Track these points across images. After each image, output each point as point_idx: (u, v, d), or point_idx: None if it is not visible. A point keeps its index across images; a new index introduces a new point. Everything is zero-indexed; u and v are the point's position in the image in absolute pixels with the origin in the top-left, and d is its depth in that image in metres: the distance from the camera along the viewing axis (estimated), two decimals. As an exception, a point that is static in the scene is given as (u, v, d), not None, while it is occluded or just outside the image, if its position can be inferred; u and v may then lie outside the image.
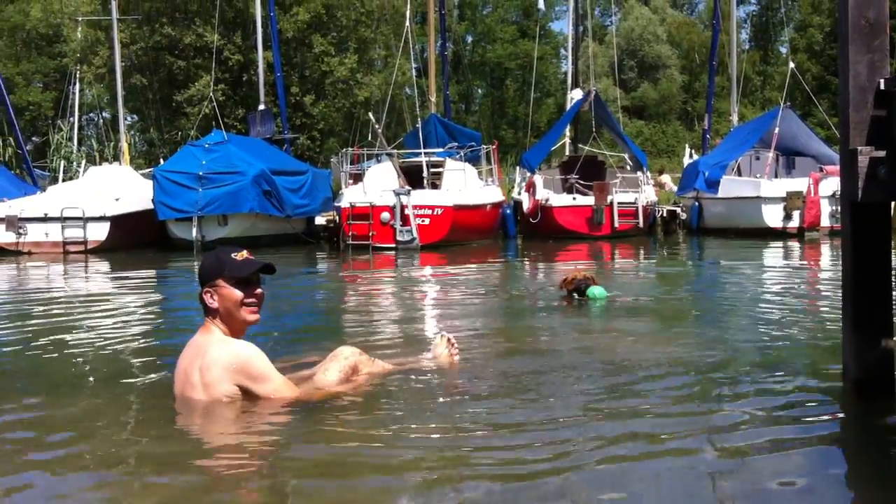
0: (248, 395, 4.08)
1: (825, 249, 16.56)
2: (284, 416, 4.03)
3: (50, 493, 3.20)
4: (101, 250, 18.43)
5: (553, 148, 26.55)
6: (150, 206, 19.23)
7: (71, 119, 35.30)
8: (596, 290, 8.24)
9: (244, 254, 4.23)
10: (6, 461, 3.56)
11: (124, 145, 26.14)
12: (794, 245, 17.82)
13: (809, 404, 4.30)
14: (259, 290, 4.22)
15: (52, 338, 6.65)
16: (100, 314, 8.54)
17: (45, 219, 18.76)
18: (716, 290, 10.63)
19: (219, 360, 4.06)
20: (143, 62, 31.44)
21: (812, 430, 3.85)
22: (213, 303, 4.15)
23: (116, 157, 26.82)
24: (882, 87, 4.14)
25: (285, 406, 4.10)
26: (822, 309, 8.08)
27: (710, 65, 28.28)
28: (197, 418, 4.06)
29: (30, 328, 7.42)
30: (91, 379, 5.08)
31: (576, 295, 8.26)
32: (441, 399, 4.44)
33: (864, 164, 4.06)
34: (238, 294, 4.14)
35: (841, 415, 4.25)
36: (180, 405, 4.18)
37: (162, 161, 24.27)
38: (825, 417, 4.13)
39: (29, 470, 3.46)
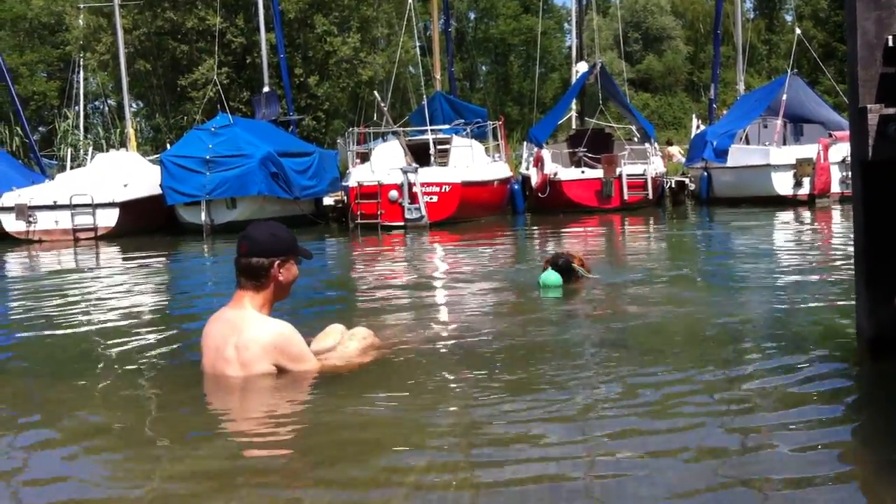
0: (281, 372, 4.11)
1: (836, 215, 16.51)
2: (317, 393, 4.03)
3: (94, 464, 3.23)
4: (110, 236, 18.51)
5: (560, 122, 26.48)
6: (159, 191, 19.27)
7: (76, 107, 35.28)
8: (548, 277, 7.05)
9: None
10: (33, 441, 3.57)
11: (130, 131, 26.19)
12: (805, 212, 17.77)
13: (824, 364, 4.30)
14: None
15: (65, 323, 6.68)
16: (113, 299, 8.58)
17: (55, 206, 18.84)
18: (727, 256, 10.62)
19: (258, 338, 4.07)
20: (146, 48, 31.38)
21: (827, 390, 3.85)
22: (281, 275, 4.17)
23: (123, 144, 26.86)
24: (891, 43, 4.09)
25: (316, 381, 4.14)
26: (834, 272, 8.06)
27: (714, 34, 28.08)
28: (231, 394, 4.07)
29: (44, 313, 7.45)
30: (109, 360, 5.09)
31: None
32: (448, 377, 4.45)
33: (873, 121, 4.03)
34: (297, 273, 4.29)
35: (856, 373, 4.25)
36: (211, 381, 4.18)
37: (168, 146, 24.28)
38: (839, 376, 4.13)
39: (59, 447, 3.49)
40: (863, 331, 4.41)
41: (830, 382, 3.96)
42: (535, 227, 17.86)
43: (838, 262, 8.70)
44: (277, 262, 4.14)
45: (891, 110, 4.02)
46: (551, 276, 6.99)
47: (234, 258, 4.22)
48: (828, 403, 3.68)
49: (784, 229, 14.68)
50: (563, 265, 7.05)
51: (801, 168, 19.74)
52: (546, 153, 21.80)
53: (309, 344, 4.35)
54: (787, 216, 16.87)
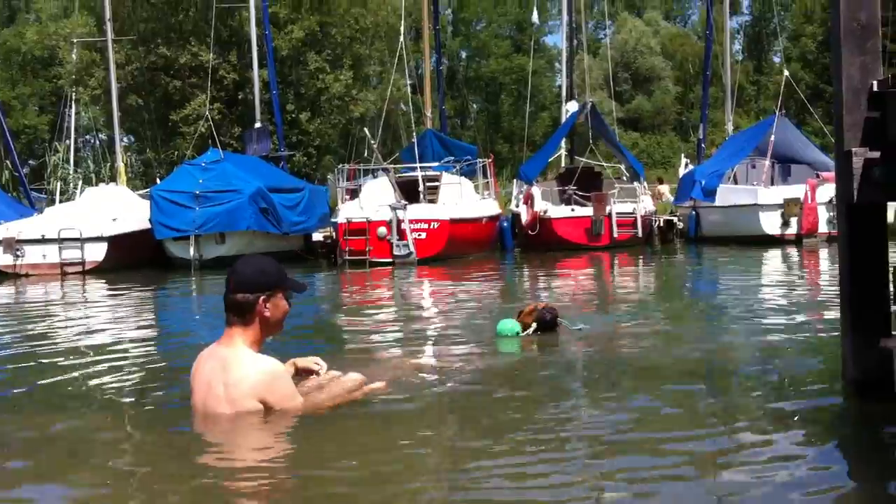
0: (268, 409, 4.09)
1: (823, 255, 16.58)
2: (303, 431, 4.03)
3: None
4: (98, 271, 18.41)
5: (550, 160, 26.61)
6: (148, 225, 19.22)
7: (67, 141, 35.36)
8: (505, 325, 6.63)
9: None
10: (12, 480, 3.52)
11: (121, 166, 26.20)
12: (793, 252, 17.85)
13: (810, 406, 4.30)
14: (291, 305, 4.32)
15: (53, 357, 6.64)
16: (101, 333, 8.53)
17: (43, 240, 18.76)
18: (715, 296, 10.65)
19: (248, 376, 4.05)
20: (138, 82, 31.50)
21: (811, 431, 3.84)
22: (267, 311, 4.11)
23: (113, 178, 26.84)
24: (875, 88, 4.16)
25: (302, 420, 4.12)
26: (821, 312, 8.09)
27: (703, 75, 28.40)
28: (219, 433, 4.06)
29: (31, 348, 7.40)
30: (98, 395, 5.05)
31: (533, 326, 6.55)
32: (441, 412, 4.44)
33: (858, 165, 4.08)
34: (287, 307, 4.22)
35: (841, 416, 4.25)
36: (201, 417, 4.15)
37: (158, 181, 24.29)
38: (825, 419, 4.13)
39: (43, 483, 3.46)
40: (848, 373, 4.42)
41: (815, 424, 3.96)
42: (525, 265, 17.88)
43: (825, 303, 8.72)
44: (263, 297, 4.10)
45: (875, 154, 4.07)
46: (508, 325, 6.59)
47: (224, 294, 4.20)
48: (812, 445, 3.68)
49: (772, 269, 14.74)
50: (552, 321, 6.57)
51: (788, 208, 19.88)
52: (536, 190, 21.89)
53: (300, 383, 4.33)
54: (774, 256, 16.94)
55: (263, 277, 4.15)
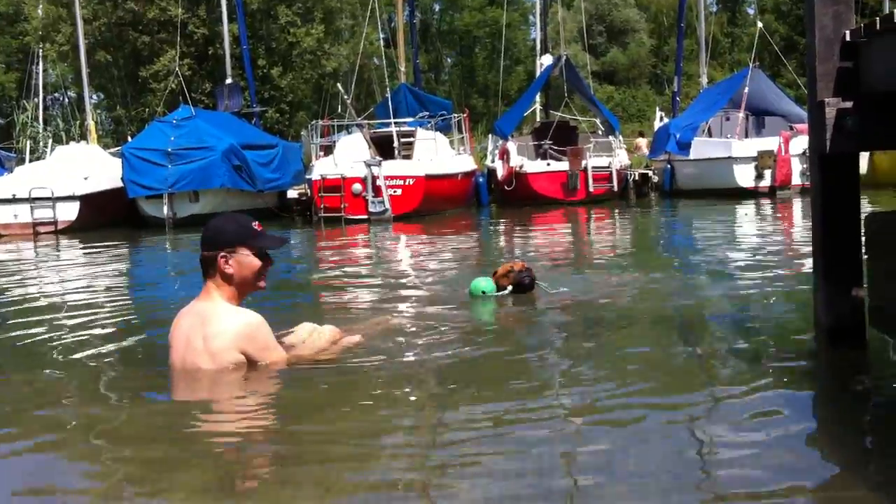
0: (250, 362, 4.11)
1: (797, 207, 16.71)
2: (285, 384, 4.06)
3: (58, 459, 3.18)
4: (71, 230, 18.23)
5: (525, 115, 26.51)
6: (120, 184, 19.02)
7: (36, 99, 34.69)
8: (478, 284, 6.34)
9: (259, 224, 4.27)
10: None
11: (91, 124, 25.79)
12: (766, 204, 17.96)
13: (783, 356, 4.35)
14: (272, 261, 4.29)
15: (27, 317, 6.59)
16: (75, 293, 8.46)
17: (14, 200, 18.52)
18: (689, 249, 10.71)
19: (228, 328, 4.07)
20: (106, 38, 30.96)
21: (785, 380, 3.89)
22: (229, 268, 4.10)
23: (83, 136, 26.42)
24: (848, 38, 4.15)
25: (283, 373, 4.14)
26: (794, 262, 8.18)
27: (678, 27, 28.26)
28: (201, 387, 4.06)
29: (3, 308, 7.34)
30: (72, 354, 5.01)
31: (508, 289, 6.27)
32: (418, 369, 4.46)
33: (831, 115, 4.08)
34: (258, 263, 4.17)
35: (814, 364, 4.31)
36: (181, 373, 4.15)
37: (130, 138, 23.98)
38: (798, 367, 4.18)
39: (19, 441, 3.44)
40: (821, 321, 4.47)
41: (788, 374, 4.00)
42: (501, 220, 17.89)
43: (798, 254, 8.80)
44: (222, 254, 4.10)
45: (848, 104, 4.07)
46: (484, 283, 6.31)
47: None
48: (784, 395, 3.72)
49: (746, 221, 14.84)
50: (530, 284, 6.29)
51: (762, 160, 19.96)
52: (512, 146, 21.82)
53: (279, 339, 4.33)
54: (748, 208, 17.05)
55: (219, 235, 4.15)
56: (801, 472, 2.85)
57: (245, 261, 4.14)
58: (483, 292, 6.27)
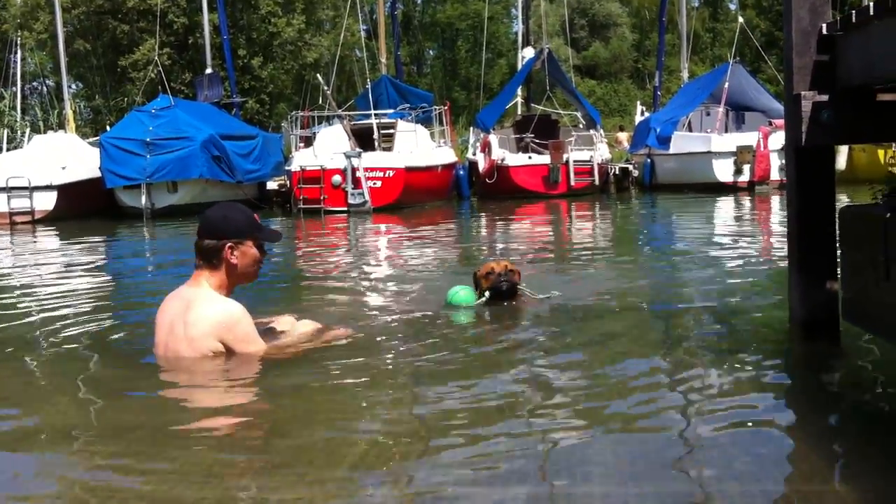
0: (230, 352, 4.09)
1: (775, 202, 16.80)
2: (263, 373, 4.04)
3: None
4: (48, 220, 18.09)
5: (507, 108, 26.53)
6: (98, 174, 18.88)
7: (13, 88, 34.43)
8: (459, 295, 5.63)
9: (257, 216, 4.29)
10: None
11: (69, 113, 25.60)
12: (745, 199, 18.05)
13: (757, 347, 4.36)
14: (266, 254, 4.32)
15: (5, 307, 6.52)
16: (53, 283, 8.39)
17: (-10, 189, 18.36)
18: (667, 242, 10.75)
19: (208, 316, 4.05)
20: (85, 27, 30.72)
21: (759, 372, 3.90)
22: (234, 258, 4.10)
23: (61, 126, 26.24)
24: (824, 31, 4.16)
25: (262, 363, 4.12)
26: (770, 255, 8.22)
27: (659, 22, 28.36)
28: (181, 375, 4.04)
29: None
30: (52, 342, 4.97)
31: (486, 295, 5.54)
32: (397, 361, 4.45)
33: (807, 108, 4.09)
34: (259, 255, 4.21)
35: (788, 356, 4.32)
36: (162, 359, 4.14)
37: (108, 128, 23.80)
38: (773, 359, 4.19)
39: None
40: (795, 313, 4.48)
41: (762, 367, 4.01)
42: (482, 213, 17.88)
43: (774, 247, 8.85)
44: (229, 244, 4.09)
45: (824, 97, 4.09)
46: (464, 295, 5.63)
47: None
48: (760, 385, 3.73)
49: (724, 216, 14.91)
50: (508, 291, 5.59)
51: (741, 155, 20.08)
52: (493, 138, 21.84)
53: (260, 331, 4.32)
54: (727, 203, 17.13)
55: (227, 224, 4.14)
56: (777, 464, 2.86)
57: (249, 252, 4.16)
58: (461, 303, 5.58)
